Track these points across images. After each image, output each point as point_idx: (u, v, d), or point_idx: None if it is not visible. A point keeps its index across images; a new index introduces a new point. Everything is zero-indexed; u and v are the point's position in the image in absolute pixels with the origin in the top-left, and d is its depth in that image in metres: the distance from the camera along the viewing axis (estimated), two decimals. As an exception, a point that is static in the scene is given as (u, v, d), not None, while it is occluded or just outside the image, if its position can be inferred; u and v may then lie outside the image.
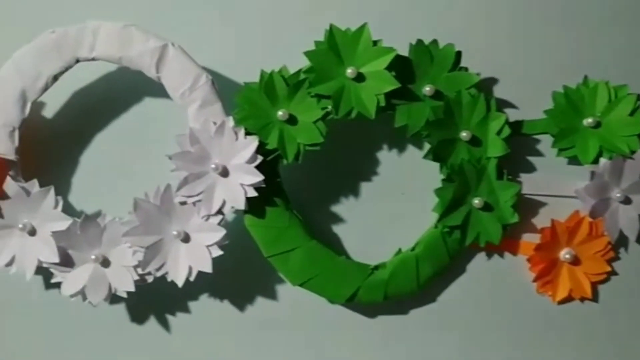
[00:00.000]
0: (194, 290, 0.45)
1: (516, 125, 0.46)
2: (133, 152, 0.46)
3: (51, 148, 0.46)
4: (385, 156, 0.47)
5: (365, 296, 0.44)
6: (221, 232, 0.42)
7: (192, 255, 0.42)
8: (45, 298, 0.46)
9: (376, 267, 0.45)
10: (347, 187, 0.47)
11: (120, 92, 0.46)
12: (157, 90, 0.45)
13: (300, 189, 0.45)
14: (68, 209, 0.45)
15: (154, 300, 0.46)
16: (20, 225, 0.42)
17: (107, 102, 0.46)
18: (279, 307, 0.47)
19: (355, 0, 0.47)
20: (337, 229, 0.47)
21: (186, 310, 0.47)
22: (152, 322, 0.47)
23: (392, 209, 0.47)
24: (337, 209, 0.47)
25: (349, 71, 0.42)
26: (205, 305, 0.46)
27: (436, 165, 0.45)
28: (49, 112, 0.46)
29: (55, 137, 0.46)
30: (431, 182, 0.45)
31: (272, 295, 0.47)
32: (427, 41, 0.44)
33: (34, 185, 0.42)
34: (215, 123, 0.42)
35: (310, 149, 0.43)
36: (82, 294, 0.43)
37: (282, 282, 0.47)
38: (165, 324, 0.47)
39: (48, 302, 0.46)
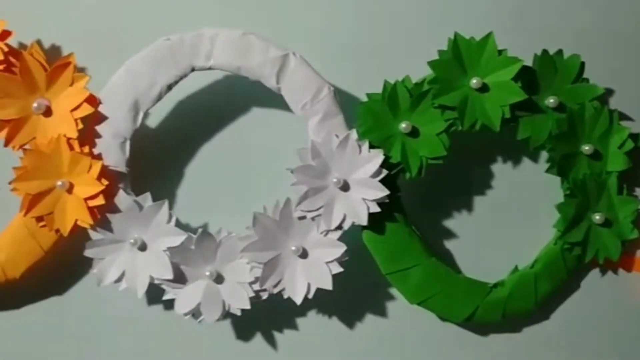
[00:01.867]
0: (302, 306, 0.43)
1: (633, 138, 0.45)
2: (239, 163, 0.45)
3: (155, 159, 0.44)
4: (499, 169, 0.46)
5: (483, 315, 0.43)
6: (341, 248, 0.40)
7: (310, 272, 0.41)
8: (144, 310, 0.45)
9: (495, 286, 0.43)
10: (461, 201, 0.45)
11: (226, 101, 0.45)
12: (265, 99, 0.44)
13: (411, 203, 0.43)
14: (173, 222, 0.43)
15: (260, 316, 0.44)
16: (132, 240, 0.41)
17: (212, 112, 0.45)
18: (389, 325, 0.45)
19: (477, 10, 0.45)
20: (449, 244, 0.45)
21: (293, 326, 0.45)
22: (258, 339, 0.45)
23: (505, 224, 0.45)
24: (450, 224, 0.45)
25: (474, 82, 0.41)
26: (313, 322, 0.45)
27: (549, 179, 0.43)
28: (152, 122, 0.44)
29: (159, 148, 0.44)
30: (544, 197, 0.44)
31: (382, 312, 0.45)
32: (551, 51, 0.42)
33: (146, 199, 0.41)
34: (337, 136, 0.40)
35: (433, 162, 0.41)
36: (195, 312, 0.41)
37: (392, 299, 0.45)
38: (271, 341, 0.45)
39: (146, 314, 0.45)
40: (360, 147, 0.40)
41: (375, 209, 0.40)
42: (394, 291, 0.45)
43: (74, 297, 0.45)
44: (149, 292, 0.42)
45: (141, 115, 0.41)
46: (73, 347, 0.45)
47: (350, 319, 0.45)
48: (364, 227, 0.41)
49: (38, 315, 0.45)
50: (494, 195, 0.45)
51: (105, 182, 0.40)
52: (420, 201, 0.44)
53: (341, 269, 0.41)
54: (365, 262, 0.42)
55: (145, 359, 0.45)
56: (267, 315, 0.44)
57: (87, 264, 0.43)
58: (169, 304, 0.43)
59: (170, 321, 0.45)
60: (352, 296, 0.44)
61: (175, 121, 0.44)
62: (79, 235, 0.41)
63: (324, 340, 0.45)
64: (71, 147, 0.40)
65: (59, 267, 0.43)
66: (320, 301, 0.44)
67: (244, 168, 0.45)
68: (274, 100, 0.42)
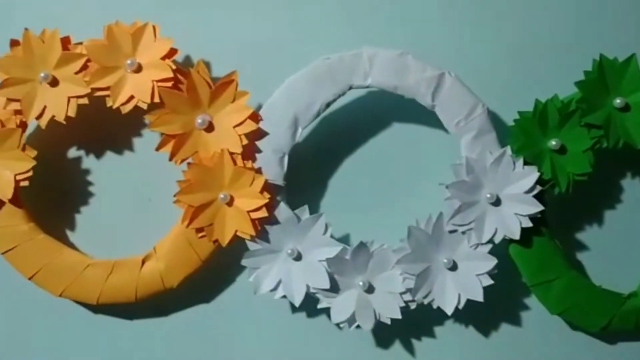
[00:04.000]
0: (440, 314, 0.45)
1: None
2: (381, 177, 0.46)
3: (301, 171, 0.45)
4: (628, 183, 0.47)
5: (618, 325, 0.45)
6: (493, 262, 0.42)
7: (460, 284, 0.42)
8: (288, 317, 0.47)
9: (628, 296, 0.45)
10: (592, 215, 0.47)
11: (368, 115, 0.46)
12: (406, 114, 0.46)
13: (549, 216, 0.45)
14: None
15: (399, 324, 0.45)
16: (289, 251, 0.42)
17: (355, 126, 0.46)
18: (524, 333, 0.47)
19: (619, 31, 0.47)
20: (581, 257, 0.47)
21: (431, 335, 0.47)
22: (397, 346, 0.47)
23: (635, 237, 0.47)
24: (582, 237, 0.47)
25: (618, 101, 0.42)
26: (450, 330, 0.47)
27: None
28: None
29: (302, 160, 0.45)
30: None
31: (516, 321, 0.47)
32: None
33: (304, 212, 0.42)
34: (491, 153, 0.42)
35: (579, 178, 0.43)
36: (349, 320, 0.43)
37: (528, 309, 0.47)
38: (410, 348, 0.47)
39: (291, 321, 0.47)
40: (514, 163, 0.41)
41: (528, 223, 0.42)
42: (528, 301, 0.47)
43: (220, 305, 0.46)
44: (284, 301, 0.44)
45: (300, 131, 0.42)
46: (218, 354, 0.46)
47: (485, 327, 0.47)
48: (511, 241, 0.43)
49: (185, 322, 0.46)
50: (623, 209, 0.47)
51: (268, 196, 0.41)
52: (555, 215, 0.46)
53: (492, 282, 0.42)
54: (501, 273, 0.44)
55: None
56: (406, 323, 0.45)
57: (231, 272, 0.45)
58: (314, 312, 0.45)
59: (313, 328, 0.46)
60: (488, 305, 0.46)
61: (317, 134, 0.46)
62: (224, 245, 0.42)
63: (460, 348, 0.47)
64: (234, 162, 0.42)
65: (206, 275, 0.45)
66: (457, 310, 0.45)
67: (386, 182, 0.46)
68: (413, 115, 0.44)
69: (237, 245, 0.42)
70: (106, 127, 0.45)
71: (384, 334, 0.46)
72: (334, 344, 0.47)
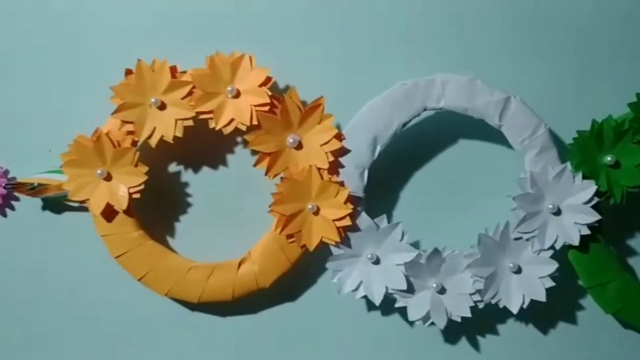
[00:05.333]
0: (503, 313, 0.49)
1: None
2: (451, 189, 0.51)
3: (379, 184, 0.50)
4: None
5: (668, 323, 0.49)
6: (554, 265, 0.47)
7: (524, 286, 0.47)
8: (363, 315, 0.52)
9: (677, 297, 0.49)
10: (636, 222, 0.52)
11: (440, 134, 0.51)
12: (474, 133, 0.50)
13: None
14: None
15: (465, 322, 0.50)
16: (368, 255, 0.48)
17: (428, 144, 0.51)
18: (578, 330, 0.52)
19: None
20: (633, 261, 0.52)
21: (495, 332, 0.52)
22: (463, 343, 0.52)
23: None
24: (633, 242, 0.52)
25: (666, 120, 0.47)
26: (513, 327, 0.51)
27: None
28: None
29: (381, 174, 0.49)
30: None
31: (572, 320, 0.52)
32: None
33: (382, 221, 0.47)
34: (552, 168, 0.46)
35: (632, 190, 0.47)
36: (424, 318, 0.48)
37: (582, 309, 0.51)
38: (475, 345, 0.52)
39: (362, 319, 0.52)
40: (574, 177, 0.46)
41: (586, 231, 0.46)
42: (584, 301, 0.51)
43: (305, 303, 0.52)
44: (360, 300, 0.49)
45: (378, 149, 0.47)
46: (301, 346, 0.52)
47: (544, 325, 0.52)
48: (570, 246, 0.47)
49: (273, 318, 0.52)
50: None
51: (351, 206, 0.47)
52: (610, 223, 0.50)
53: (553, 284, 0.47)
54: (560, 275, 0.48)
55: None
56: (474, 321, 0.50)
57: (314, 273, 0.51)
58: (389, 310, 0.50)
59: (388, 324, 0.51)
60: (547, 305, 0.50)
61: (392, 150, 0.51)
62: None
63: (521, 343, 0.52)
64: (321, 176, 0.47)
65: (290, 277, 0.50)
66: (520, 309, 0.50)
67: (456, 194, 0.51)
68: (481, 134, 0.50)
69: (319, 250, 0.48)
70: (201, 145, 0.50)
71: (452, 330, 0.51)
72: (407, 339, 0.52)
